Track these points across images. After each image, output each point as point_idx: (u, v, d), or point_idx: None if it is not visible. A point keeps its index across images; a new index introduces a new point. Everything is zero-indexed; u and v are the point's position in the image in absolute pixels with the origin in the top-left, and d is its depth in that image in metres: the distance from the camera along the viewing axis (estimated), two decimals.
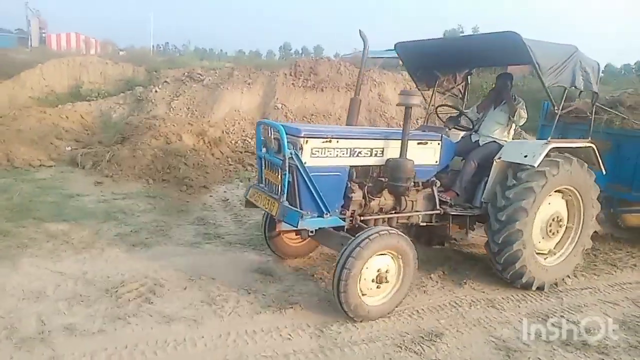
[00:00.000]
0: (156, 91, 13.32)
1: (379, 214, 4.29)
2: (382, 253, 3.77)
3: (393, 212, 4.39)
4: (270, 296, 4.14)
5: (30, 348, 3.11)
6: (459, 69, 5.82)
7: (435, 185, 4.52)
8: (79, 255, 4.66)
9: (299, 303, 4.02)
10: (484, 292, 4.65)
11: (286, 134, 3.76)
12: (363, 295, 3.75)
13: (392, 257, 3.85)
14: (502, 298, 4.54)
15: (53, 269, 4.31)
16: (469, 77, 5.94)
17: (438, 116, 5.47)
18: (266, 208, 4.07)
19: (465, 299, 4.43)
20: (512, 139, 5.31)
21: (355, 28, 4.77)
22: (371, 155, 4.16)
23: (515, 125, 5.20)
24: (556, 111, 4.67)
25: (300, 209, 3.80)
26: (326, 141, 3.89)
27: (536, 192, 4.35)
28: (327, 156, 3.91)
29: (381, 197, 4.25)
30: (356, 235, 3.69)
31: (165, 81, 13.83)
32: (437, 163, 4.58)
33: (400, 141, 4.04)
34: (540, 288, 4.67)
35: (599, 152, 4.91)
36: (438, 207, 4.55)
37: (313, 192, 3.81)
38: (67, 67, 14.62)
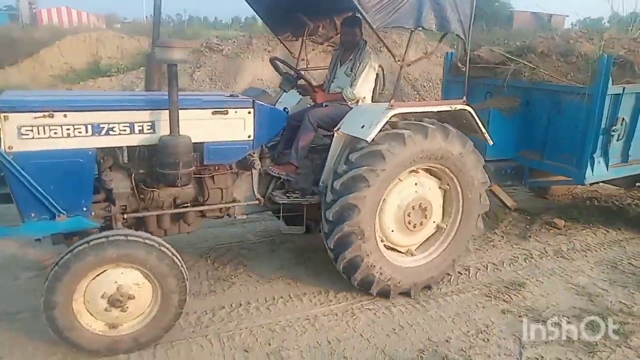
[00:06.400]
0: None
1: (168, 209, 3.29)
2: (120, 267, 2.76)
3: (194, 203, 3.42)
4: None
5: None
6: (334, 12, 4.39)
7: (255, 167, 3.47)
8: None
9: None
10: (549, 244, 4.84)
11: None
12: (84, 316, 2.77)
13: (144, 276, 2.83)
14: (568, 249, 4.73)
15: None
16: None
17: (278, 71, 4.21)
18: None
19: (535, 251, 4.63)
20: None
21: None
22: (132, 132, 2.99)
23: (355, 98, 3.80)
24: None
25: (22, 212, 2.83)
26: (45, 116, 2.75)
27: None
28: (49, 137, 2.77)
29: (168, 187, 3.21)
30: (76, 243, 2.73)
31: None
32: (252, 138, 3.38)
33: (183, 110, 2.93)
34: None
35: (478, 116, 3.73)
36: (256, 194, 3.55)
37: (30, 187, 2.75)
38: (83, 44, 14.50)
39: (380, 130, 3.26)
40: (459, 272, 4.10)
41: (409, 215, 3.57)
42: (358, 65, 3.84)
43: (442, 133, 3.44)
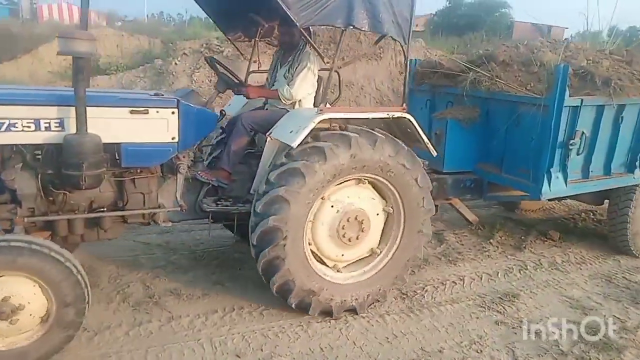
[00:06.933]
0: (176, 64, 13.23)
1: (82, 213, 3.05)
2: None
3: (113, 208, 3.17)
4: None
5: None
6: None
7: (180, 171, 3.30)
8: None
9: None
10: (544, 255, 4.84)
11: None
12: None
13: (38, 286, 2.56)
14: (563, 261, 4.74)
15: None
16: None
17: (216, 72, 3.76)
18: None
19: (529, 262, 4.63)
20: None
21: None
22: (38, 129, 2.77)
23: (291, 98, 3.58)
24: (326, 64, 3.45)
25: None
26: None
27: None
28: None
29: (81, 190, 2.93)
30: None
31: (184, 53, 13.73)
32: (176, 140, 3.15)
33: (95, 108, 2.80)
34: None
35: (419, 126, 3.53)
36: (179, 200, 3.32)
37: None
38: None
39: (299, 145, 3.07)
40: (453, 282, 4.11)
41: (343, 236, 3.37)
42: (296, 66, 3.65)
43: (343, 144, 3.14)
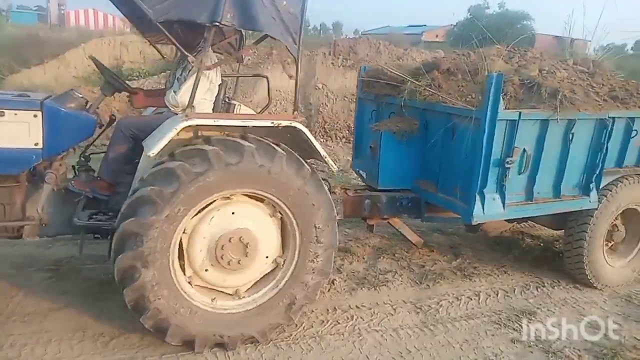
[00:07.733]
0: None
1: None
2: None
3: None
4: None
5: None
6: None
7: (47, 180, 2.99)
8: None
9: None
10: (562, 273, 4.74)
11: None
12: None
13: None
14: None
15: None
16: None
17: (102, 73, 3.48)
18: None
19: (547, 280, 4.55)
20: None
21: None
22: None
23: (177, 105, 3.22)
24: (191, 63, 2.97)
25: None
26: None
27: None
28: None
29: None
30: None
31: None
32: (40, 146, 2.90)
33: None
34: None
35: (312, 136, 3.13)
36: (40, 213, 3.00)
37: None
38: (108, 47, 14.80)
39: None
40: (468, 298, 4.06)
41: (229, 264, 2.98)
42: (189, 69, 3.35)
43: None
